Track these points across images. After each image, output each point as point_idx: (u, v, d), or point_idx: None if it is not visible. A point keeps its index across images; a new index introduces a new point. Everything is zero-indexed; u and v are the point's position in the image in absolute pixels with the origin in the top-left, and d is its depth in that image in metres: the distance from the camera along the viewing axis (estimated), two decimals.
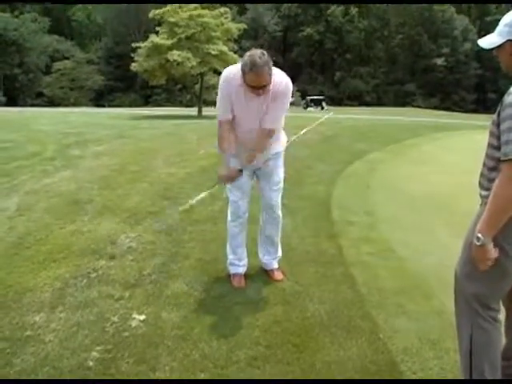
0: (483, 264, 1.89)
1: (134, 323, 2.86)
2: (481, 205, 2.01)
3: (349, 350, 2.62)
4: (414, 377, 2.41)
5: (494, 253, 1.86)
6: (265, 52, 2.90)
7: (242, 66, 2.91)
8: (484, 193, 1.97)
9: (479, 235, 1.85)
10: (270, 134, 3.18)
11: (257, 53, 2.86)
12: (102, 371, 2.39)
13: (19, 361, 2.44)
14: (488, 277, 1.95)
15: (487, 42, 1.98)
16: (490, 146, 1.97)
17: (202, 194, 3.33)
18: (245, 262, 3.55)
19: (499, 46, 1.94)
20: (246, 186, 3.42)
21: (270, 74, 2.91)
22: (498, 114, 1.86)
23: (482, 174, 2.03)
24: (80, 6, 68.72)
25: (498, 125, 1.87)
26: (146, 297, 3.20)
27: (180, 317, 2.94)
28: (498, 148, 1.85)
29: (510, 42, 1.89)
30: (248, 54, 2.90)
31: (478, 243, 1.86)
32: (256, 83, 2.90)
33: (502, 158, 1.81)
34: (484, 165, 2.02)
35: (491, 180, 1.90)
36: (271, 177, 3.43)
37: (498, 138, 1.85)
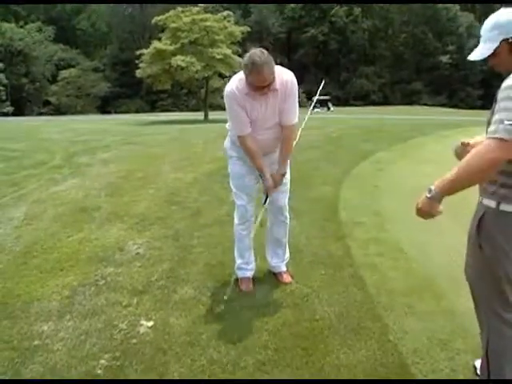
0: (425, 217, 1.87)
1: (142, 330, 2.85)
2: (479, 203, 1.95)
3: (358, 352, 2.60)
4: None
5: (439, 211, 1.83)
6: (264, 51, 2.87)
7: (243, 69, 2.89)
8: (483, 185, 1.90)
9: (432, 188, 1.80)
10: (293, 128, 3.22)
11: (256, 53, 2.84)
12: (111, 379, 2.38)
13: (28, 370, 2.44)
14: (492, 278, 1.91)
15: (479, 53, 1.89)
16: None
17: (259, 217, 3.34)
18: (253, 265, 3.53)
19: (494, 52, 1.84)
20: (252, 190, 3.41)
21: (273, 72, 2.88)
22: (496, 100, 1.77)
23: None
24: (85, 14, 69.20)
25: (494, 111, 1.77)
26: (153, 303, 3.20)
27: (188, 322, 2.93)
28: None
29: (505, 41, 1.81)
30: (247, 55, 2.87)
31: (428, 195, 1.82)
32: (259, 83, 2.87)
33: (488, 136, 1.69)
34: None
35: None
36: None
37: None
